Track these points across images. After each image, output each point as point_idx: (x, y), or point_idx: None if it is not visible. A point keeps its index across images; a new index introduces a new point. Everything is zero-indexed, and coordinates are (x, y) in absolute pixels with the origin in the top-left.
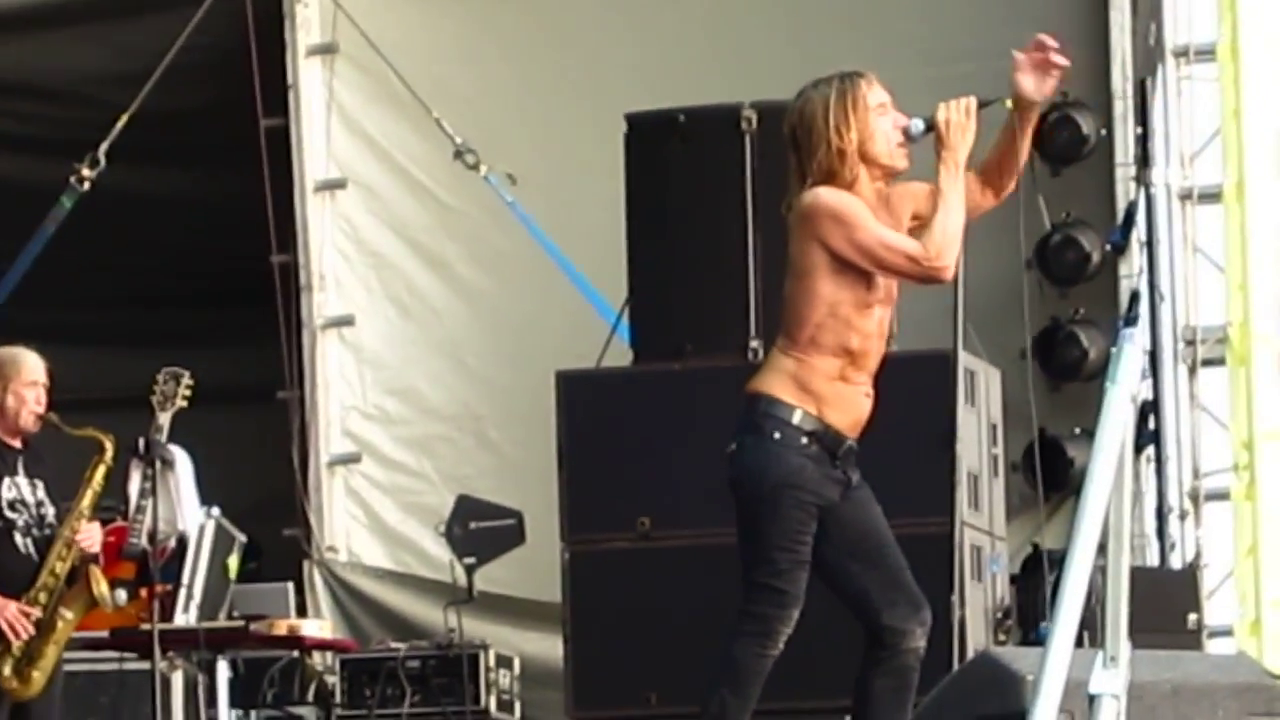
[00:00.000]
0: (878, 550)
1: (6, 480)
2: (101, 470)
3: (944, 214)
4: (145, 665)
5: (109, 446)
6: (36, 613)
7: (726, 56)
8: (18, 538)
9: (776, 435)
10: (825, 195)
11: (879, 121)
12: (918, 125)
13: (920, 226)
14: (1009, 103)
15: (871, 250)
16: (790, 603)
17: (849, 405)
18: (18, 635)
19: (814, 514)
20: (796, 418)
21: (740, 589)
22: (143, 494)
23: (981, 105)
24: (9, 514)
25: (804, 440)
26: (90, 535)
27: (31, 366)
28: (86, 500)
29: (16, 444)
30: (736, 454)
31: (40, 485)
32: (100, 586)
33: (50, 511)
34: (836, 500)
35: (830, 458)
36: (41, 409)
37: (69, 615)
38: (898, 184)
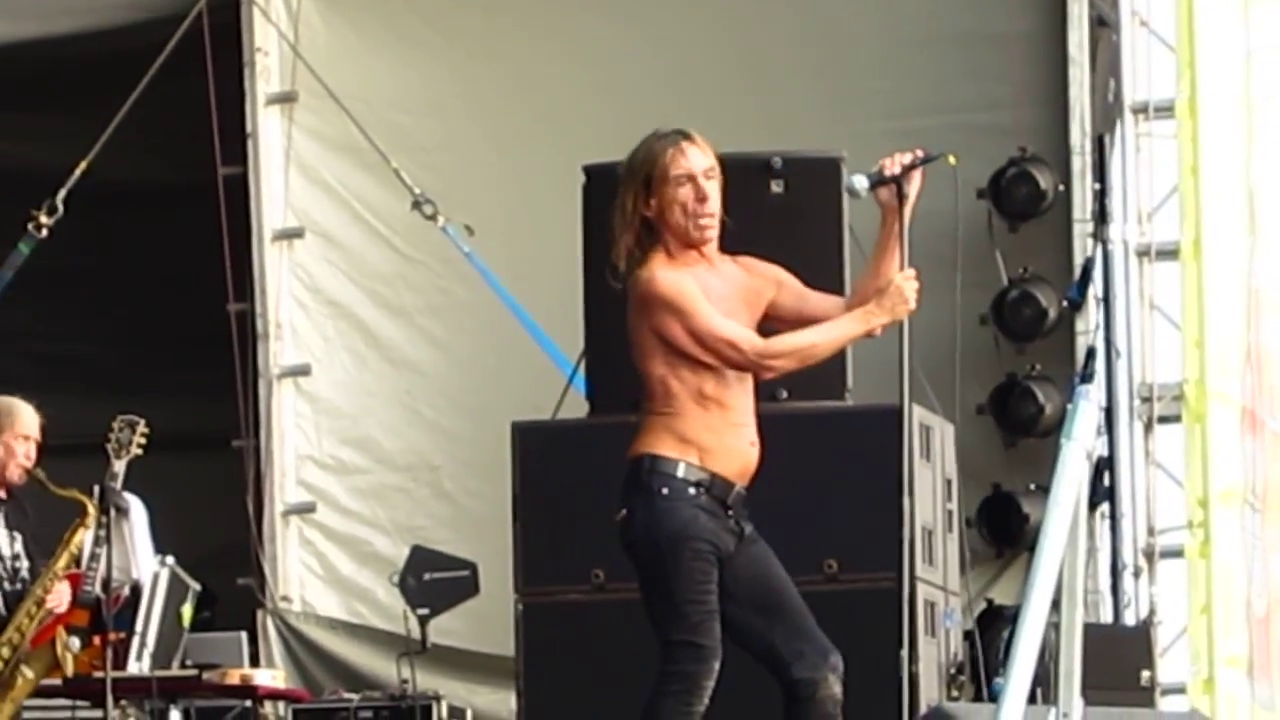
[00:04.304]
0: (780, 603)
1: None
2: (81, 533)
3: (817, 334)
4: (98, 713)
5: (91, 510)
6: None
7: (686, 109)
8: None
9: (664, 491)
10: (660, 279)
11: (677, 191)
12: (861, 181)
13: (776, 319)
14: (952, 158)
15: (698, 342)
16: (710, 655)
17: (733, 452)
18: None
19: (714, 563)
20: (681, 470)
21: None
22: (97, 542)
23: (926, 160)
24: None
25: (692, 491)
26: (59, 596)
27: (27, 420)
28: (61, 562)
29: (1, 494)
30: (628, 519)
31: (19, 538)
32: (65, 648)
33: (25, 565)
34: (732, 551)
35: (721, 507)
36: (30, 463)
37: (29, 674)
38: (783, 274)
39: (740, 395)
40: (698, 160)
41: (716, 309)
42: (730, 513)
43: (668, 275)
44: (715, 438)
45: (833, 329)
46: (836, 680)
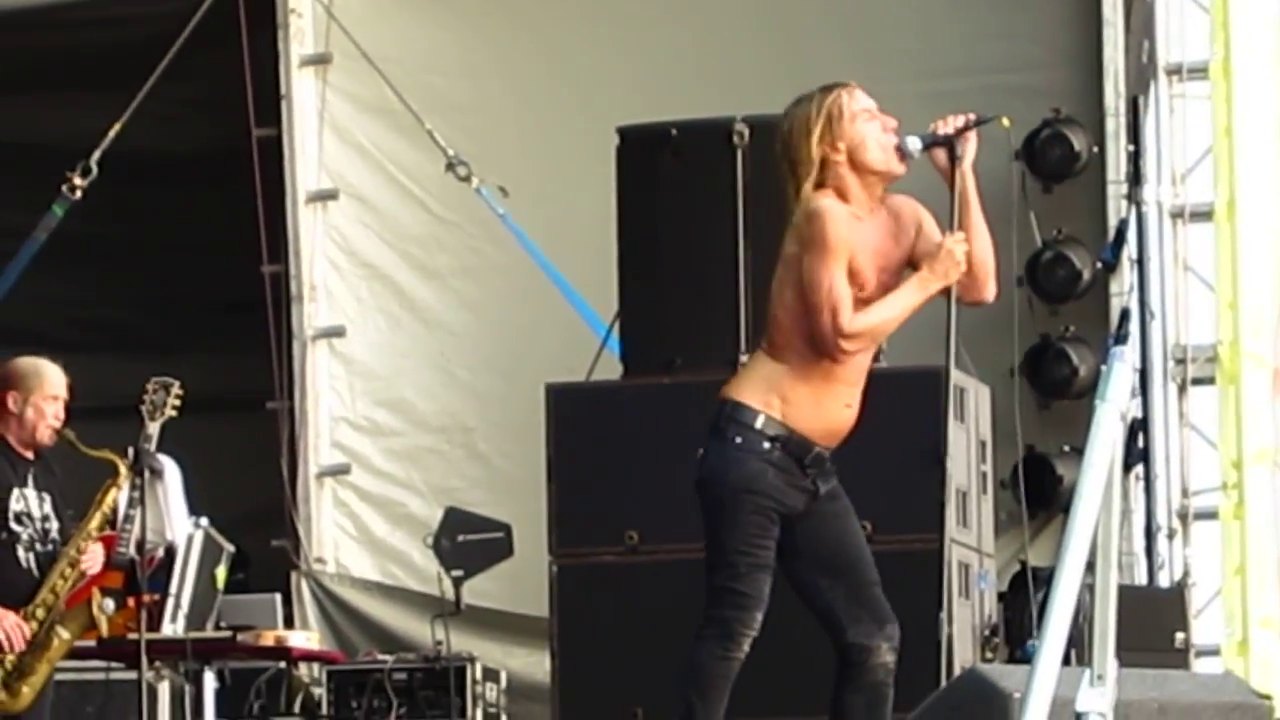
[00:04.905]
0: (847, 566)
1: (15, 492)
2: (113, 493)
3: (885, 308)
4: (132, 675)
5: (123, 470)
6: (30, 628)
7: (719, 70)
8: (20, 552)
9: (737, 440)
10: (829, 214)
11: (866, 127)
12: (914, 143)
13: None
14: (1006, 121)
15: (814, 283)
16: (751, 605)
17: (821, 412)
18: (12, 647)
19: (774, 519)
20: (759, 422)
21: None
22: (131, 503)
23: (979, 123)
24: (14, 526)
25: (765, 445)
26: (94, 557)
27: (54, 380)
28: (95, 522)
29: (29, 455)
30: (702, 458)
31: (48, 499)
32: (100, 609)
33: (55, 526)
34: (800, 509)
35: (797, 464)
36: (59, 423)
37: (65, 635)
38: (924, 215)
39: (856, 357)
40: (869, 99)
41: (872, 262)
42: (808, 471)
43: (837, 210)
44: (806, 393)
45: (895, 302)
46: (890, 650)
